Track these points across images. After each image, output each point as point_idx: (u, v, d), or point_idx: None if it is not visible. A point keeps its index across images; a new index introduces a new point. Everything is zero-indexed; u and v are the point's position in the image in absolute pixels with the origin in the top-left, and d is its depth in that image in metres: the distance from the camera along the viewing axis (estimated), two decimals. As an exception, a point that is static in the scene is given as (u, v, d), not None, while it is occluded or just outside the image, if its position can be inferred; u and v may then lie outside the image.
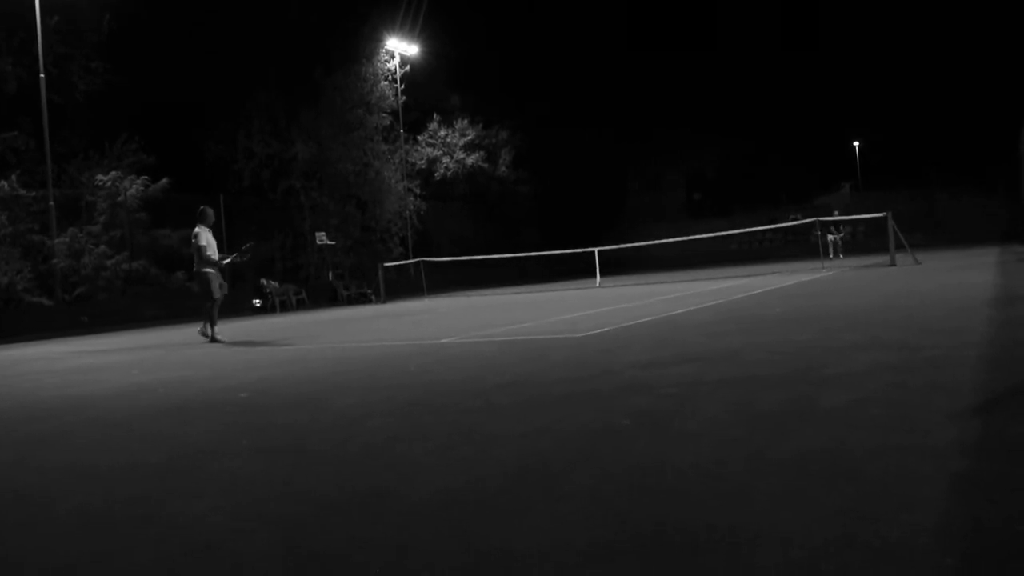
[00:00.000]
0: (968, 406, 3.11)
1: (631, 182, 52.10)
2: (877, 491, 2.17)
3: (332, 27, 30.12)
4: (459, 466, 2.86)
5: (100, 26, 24.78)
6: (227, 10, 26.75)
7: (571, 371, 5.00)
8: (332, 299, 24.98)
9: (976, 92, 48.21)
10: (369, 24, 31.54)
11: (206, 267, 10.42)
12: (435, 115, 37.58)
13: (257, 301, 22.90)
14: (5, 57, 22.81)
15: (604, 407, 3.71)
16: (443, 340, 7.99)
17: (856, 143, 60.65)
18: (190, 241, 10.81)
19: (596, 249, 21.64)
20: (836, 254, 25.13)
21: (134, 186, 22.96)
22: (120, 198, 22.72)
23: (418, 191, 33.88)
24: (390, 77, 32.15)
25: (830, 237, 25.30)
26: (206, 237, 10.47)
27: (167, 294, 22.45)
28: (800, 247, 36.36)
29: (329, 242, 27.43)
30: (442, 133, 37.91)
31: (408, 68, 33.27)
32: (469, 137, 38.13)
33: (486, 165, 38.66)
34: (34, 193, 21.40)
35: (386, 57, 32.25)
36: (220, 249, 11.16)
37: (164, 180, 23.54)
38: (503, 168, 39.68)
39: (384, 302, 21.93)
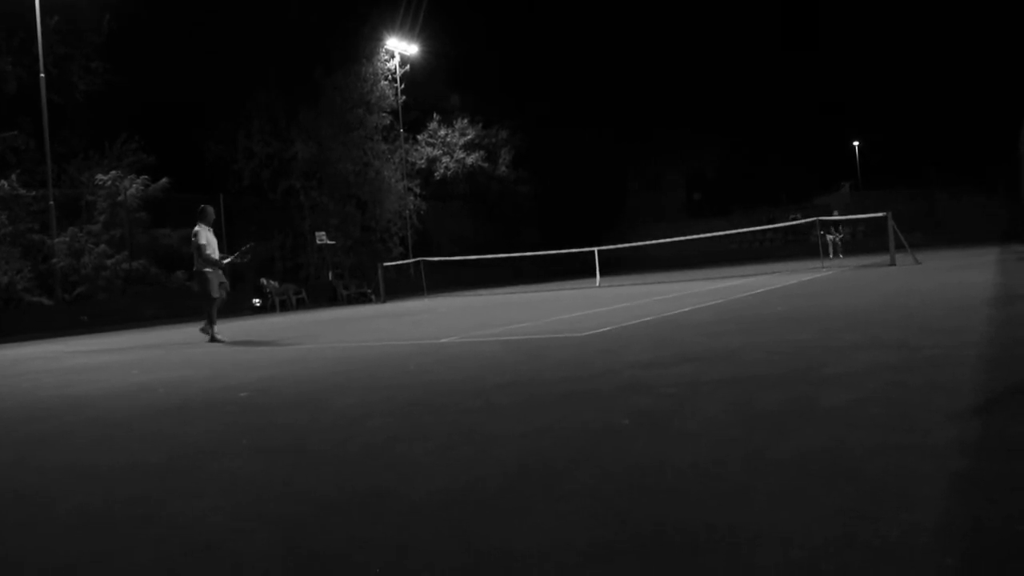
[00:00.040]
0: (968, 405, 3.11)
1: (631, 182, 52.13)
2: (877, 490, 2.17)
3: (332, 27, 30.14)
4: (459, 466, 2.86)
5: (100, 26, 24.81)
6: (227, 10, 26.78)
7: (571, 371, 5.00)
8: (332, 299, 24.98)
9: (976, 92, 48.28)
10: (369, 24, 31.56)
11: (205, 266, 10.42)
12: (435, 115, 37.60)
13: (257, 301, 22.91)
14: (5, 57, 22.82)
15: (604, 407, 3.71)
16: (443, 340, 7.99)
17: (856, 143, 60.68)
18: (190, 240, 10.81)
19: (596, 249, 21.64)
20: (836, 254, 25.15)
21: (134, 186, 22.96)
22: (120, 198, 22.72)
23: (418, 191, 33.88)
24: (390, 77, 32.15)
25: (829, 237, 25.33)
26: (206, 236, 10.46)
27: (167, 294, 22.45)
28: (800, 247, 36.39)
29: (329, 242, 27.43)
30: (442, 133, 37.92)
31: (408, 68, 33.28)
32: (469, 137, 38.14)
33: (486, 165, 38.66)
34: (34, 193, 21.42)
35: (386, 57, 32.26)
36: (220, 249, 11.15)
37: (164, 180, 23.56)
38: (503, 168, 39.69)
39: (384, 302, 21.93)
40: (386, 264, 24.47)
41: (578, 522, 2.14)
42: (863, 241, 33.39)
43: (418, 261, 27.02)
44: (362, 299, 24.75)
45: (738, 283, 14.86)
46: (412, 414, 4.00)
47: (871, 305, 8.04)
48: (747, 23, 59.99)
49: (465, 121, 38.24)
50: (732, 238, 35.42)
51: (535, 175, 41.05)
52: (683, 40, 55.22)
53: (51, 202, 20.95)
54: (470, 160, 37.78)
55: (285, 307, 22.47)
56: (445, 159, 37.70)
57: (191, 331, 12.09)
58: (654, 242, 24.02)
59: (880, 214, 18.05)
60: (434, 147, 37.68)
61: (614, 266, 28.92)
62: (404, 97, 33.00)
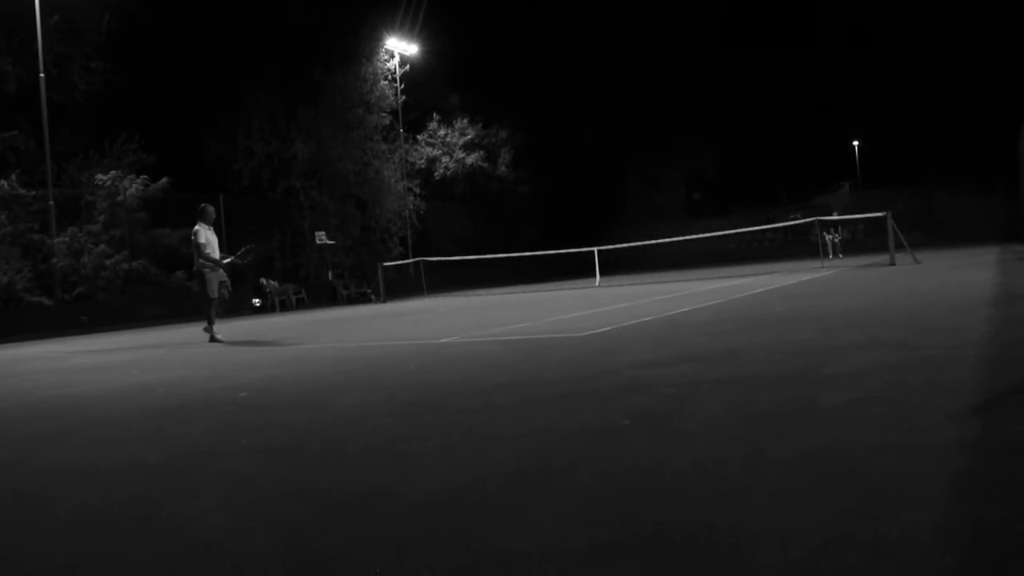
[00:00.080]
0: (968, 405, 3.11)
1: (630, 181, 52.14)
2: (877, 490, 2.17)
3: (332, 26, 30.15)
4: (459, 466, 2.86)
5: (100, 26, 24.80)
6: (227, 10, 26.77)
7: (571, 371, 5.00)
8: (332, 299, 24.98)
9: (975, 91, 48.27)
10: (369, 23, 31.56)
11: (205, 266, 10.41)
12: (435, 114, 37.58)
13: (257, 301, 22.90)
14: (5, 57, 22.81)
15: (604, 407, 3.71)
16: (443, 340, 7.99)
17: (856, 143, 60.69)
18: (190, 240, 10.81)
19: (595, 249, 21.64)
20: (835, 254, 25.16)
21: (134, 185, 22.95)
22: (120, 197, 22.71)
23: (418, 191, 33.88)
24: (390, 76, 32.15)
25: (828, 237, 25.34)
26: (206, 235, 10.46)
27: (167, 293, 22.44)
28: (800, 247, 36.41)
29: (329, 242, 27.43)
30: (442, 133, 37.90)
31: (408, 67, 33.28)
32: (469, 136, 38.13)
33: (486, 165, 38.65)
34: (34, 192, 21.40)
35: (386, 56, 32.25)
36: (220, 248, 11.14)
37: (164, 179, 23.53)
38: (503, 168, 39.68)
39: (384, 302, 21.93)
40: (386, 264, 24.46)
41: (577, 522, 2.13)
42: (863, 241, 33.41)
43: (418, 261, 27.03)
44: (362, 299, 24.75)
45: (738, 283, 14.86)
46: (412, 414, 4.00)
47: (871, 305, 8.04)
48: (747, 23, 60.05)
49: (465, 121, 38.23)
50: (731, 238, 35.42)
51: (535, 175, 41.03)
52: (683, 40, 55.30)
53: (51, 202, 20.94)
54: (470, 160, 37.77)
55: (285, 307, 22.46)
56: (445, 159, 37.69)
57: (191, 331, 12.09)
58: (653, 242, 24.01)
59: (880, 214, 18.06)
60: (434, 147, 37.67)
61: (614, 266, 28.91)
62: (404, 97, 33.00)
